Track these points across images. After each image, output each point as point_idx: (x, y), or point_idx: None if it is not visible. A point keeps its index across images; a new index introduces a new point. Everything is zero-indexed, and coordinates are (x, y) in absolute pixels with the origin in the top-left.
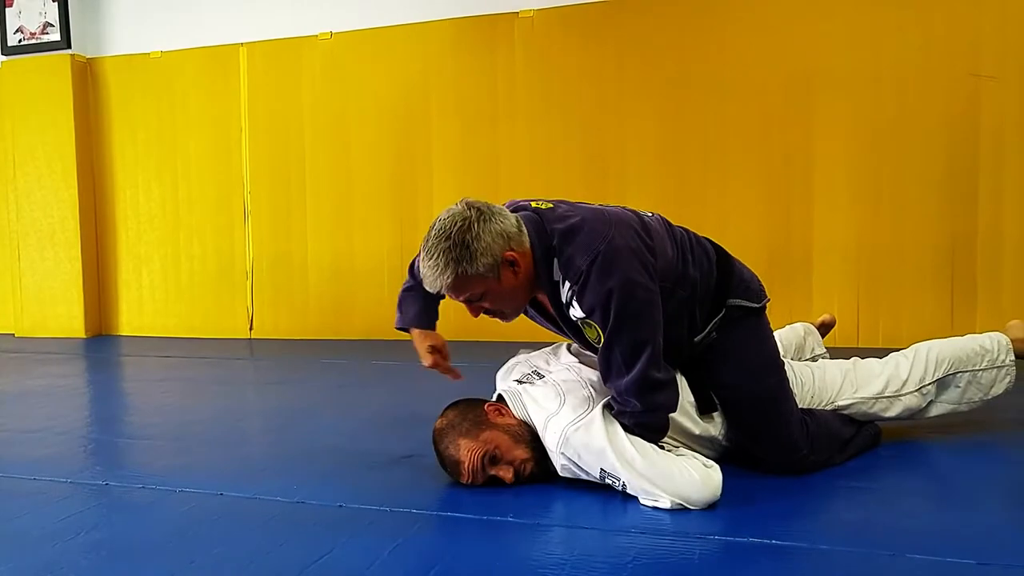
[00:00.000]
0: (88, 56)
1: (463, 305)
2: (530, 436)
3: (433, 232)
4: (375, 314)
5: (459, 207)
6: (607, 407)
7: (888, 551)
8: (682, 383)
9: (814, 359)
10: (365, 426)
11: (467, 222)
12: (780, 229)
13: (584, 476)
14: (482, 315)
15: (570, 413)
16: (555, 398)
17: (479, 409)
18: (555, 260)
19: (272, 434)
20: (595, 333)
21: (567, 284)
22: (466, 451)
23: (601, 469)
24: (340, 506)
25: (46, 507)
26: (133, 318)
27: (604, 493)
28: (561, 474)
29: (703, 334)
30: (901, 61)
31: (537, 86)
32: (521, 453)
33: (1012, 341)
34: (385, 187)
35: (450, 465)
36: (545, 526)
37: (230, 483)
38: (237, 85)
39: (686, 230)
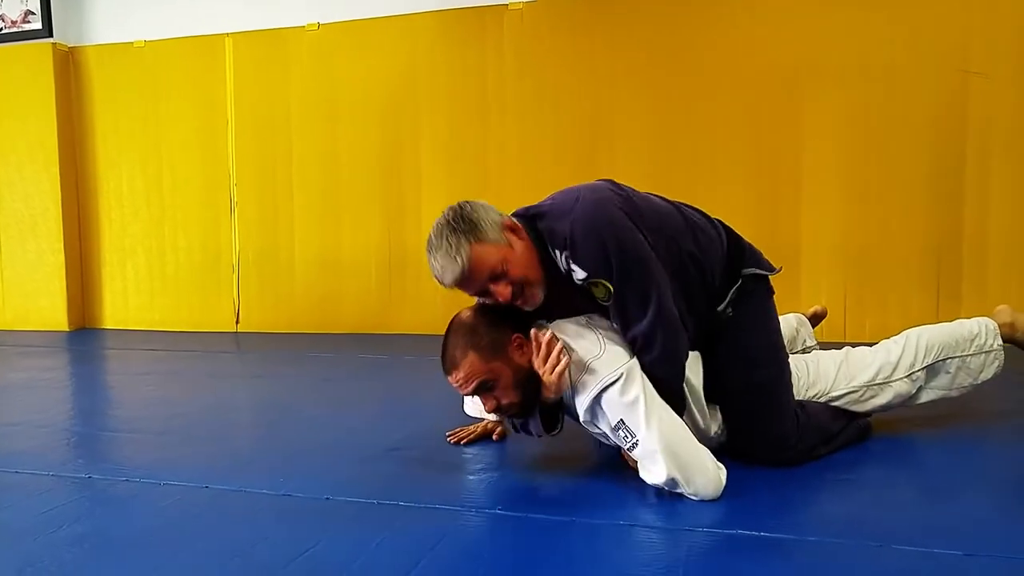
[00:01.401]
0: (70, 45)
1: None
2: (530, 383)
3: (433, 232)
4: (362, 307)
5: (447, 209)
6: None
7: (876, 542)
8: (699, 367)
9: (805, 351)
10: (352, 419)
11: (461, 208)
12: (768, 224)
13: (599, 425)
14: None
15: (612, 361)
16: (598, 342)
17: (507, 335)
18: (545, 243)
19: (258, 427)
20: (603, 290)
21: (561, 255)
22: (468, 365)
23: (620, 420)
24: (327, 499)
25: (28, 500)
26: (117, 311)
27: (595, 487)
28: (582, 418)
29: (724, 303)
30: (890, 56)
31: (526, 79)
32: (513, 396)
33: (999, 326)
34: (373, 179)
35: (448, 363)
36: (534, 518)
37: (215, 476)
38: (223, 76)
39: (687, 204)
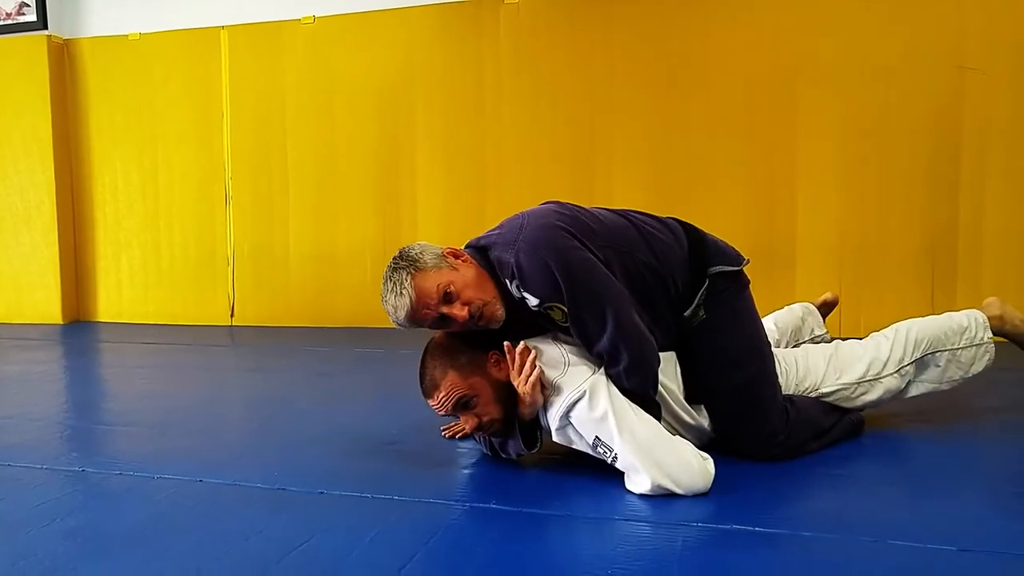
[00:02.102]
0: (65, 37)
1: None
2: (509, 400)
3: (382, 283)
4: (358, 301)
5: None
6: (608, 376)
7: (870, 537)
8: (677, 371)
9: (815, 341)
10: (347, 413)
11: (400, 251)
12: (765, 221)
13: (577, 444)
14: (473, 326)
15: (576, 377)
16: (560, 359)
17: (483, 352)
18: (497, 271)
19: (253, 421)
20: (559, 313)
21: (512, 283)
22: (449, 384)
23: (596, 437)
24: (321, 493)
25: (22, 493)
26: (112, 304)
27: (588, 481)
28: (555, 438)
29: (692, 307)
30: (887, 55)
31: (523, 75)
32: (494, 411)
33: (989, 318)
34: (369, 174)
35: (427, 384)
36: (528, 513)
37: (210, 470)
38: (218, 69)
39: (639, 212)
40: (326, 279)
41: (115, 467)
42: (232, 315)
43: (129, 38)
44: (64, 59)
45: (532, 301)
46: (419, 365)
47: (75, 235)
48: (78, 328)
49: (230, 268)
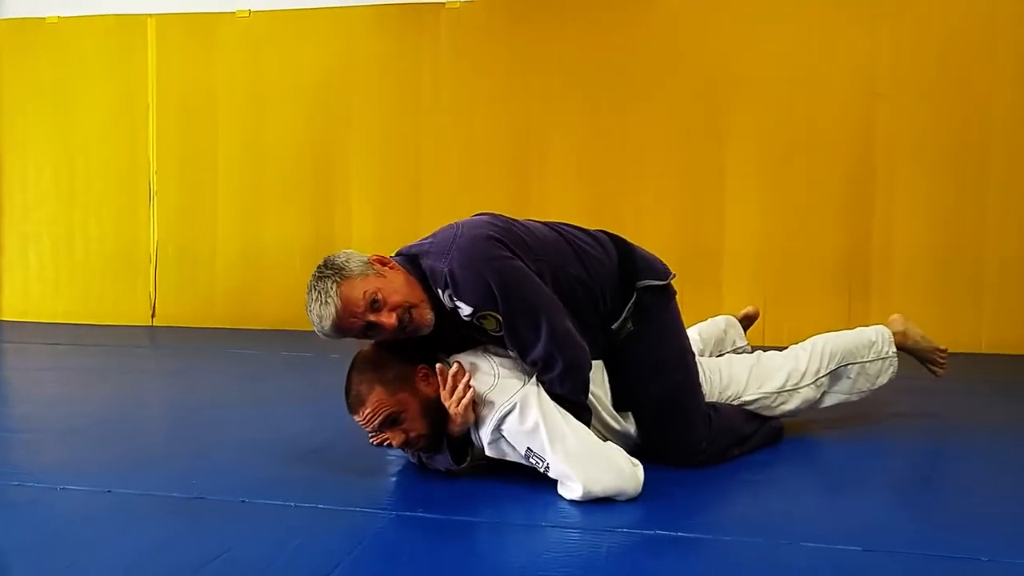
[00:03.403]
0: None
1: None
2: (438, 414)
3: (307, 292)
4: (285, 303)
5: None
6: (540, 382)
7: (785, 539)
8: (604, 379)
9: (736, 352)
10: (273, 419)
11: (325, 260)
12: (692, 230)
13: (510, 456)
14: (403, 333)
15: (506, 390)
16: (491, 371)
17: (411, 366)
18: (428, 280)
19: (172, 426)
20: (493, 322)
21: (444, 293)
22: (375, 400)
23: (528, 448)
24: (242, 501)
25: None
26: (16, 301)
27: (515, 488)
28: (487, 452)
29: (619, 320)
30: (806, 76)
31: (462, 79)
32: (421, 427)
33: (894, 334)
34: (301, 173)
35: (352, 400)
36: (456, 521)
37: (121, 479)
38: (144, 58)
39: (571, 225)
40: (254, 279)
41: (14, 477)
42: (153, 315)
43: (47, 21)
44: None
45: (465, 311)
46: (345, 379)
47: None
48: None
49: (152, 266)
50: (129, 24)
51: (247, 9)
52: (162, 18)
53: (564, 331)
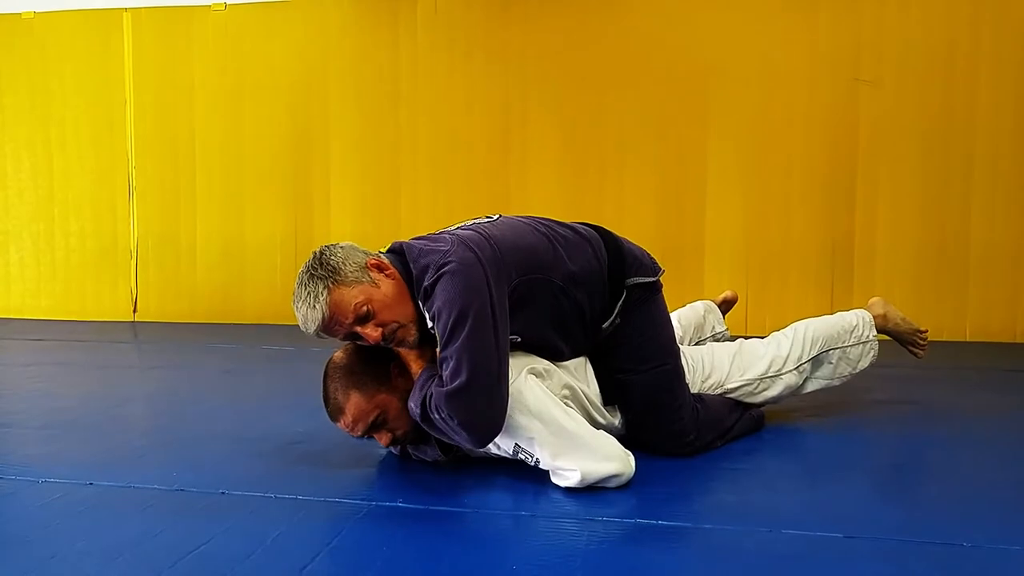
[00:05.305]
0: None
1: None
2: None
3: (296, 282)
4: (266, 298)
5: (310, 256)
6: (532, 373)
7: (766, 527)
8: (589, 373)
9: (716, 337)
10: (253, 412)
11: (322, 252)
12: (674, 221)
13: (495, 451)
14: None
15: None
16: None
17: (384, 364)
18: (416, 289)
19: (152, 420)
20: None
21: (421, 304)
22: (354, 407)
23: (515, 444)
24: (222, 493)
25: None
26: None
27: (495, 478)
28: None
29: (609, 320)
30: (789, 65)
31: (439, 69)
32: (404, 424)
33: (874, 317)
34: (280, 167)
35: (332, 409)
36: (434, 511)
37: (101, 471)
38: (120, 53)
39: (563, 224)
40: (234, 274)
41: None
42: (135, 310)
43: (22, 16)
44: None
45: (429, 324)
46: (322, 386)
47: None
48: None
49: (133, 261)
50: (105, 18)
51: (223, 2)
52: (138, 12)
53: (482, 392)
